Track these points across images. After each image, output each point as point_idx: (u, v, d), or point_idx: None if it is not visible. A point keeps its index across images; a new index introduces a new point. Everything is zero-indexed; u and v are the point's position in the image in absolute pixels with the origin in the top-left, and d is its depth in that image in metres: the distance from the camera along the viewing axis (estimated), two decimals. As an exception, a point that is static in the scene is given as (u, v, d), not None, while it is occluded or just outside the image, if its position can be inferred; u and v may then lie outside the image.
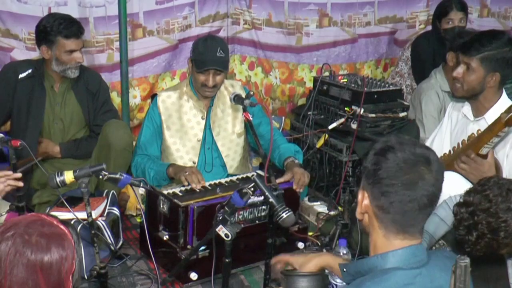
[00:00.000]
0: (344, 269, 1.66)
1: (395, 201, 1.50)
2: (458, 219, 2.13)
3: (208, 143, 3.31)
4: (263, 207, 2.84)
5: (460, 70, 2.78)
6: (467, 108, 2.91)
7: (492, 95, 2.79)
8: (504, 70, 2.73)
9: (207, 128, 3.30)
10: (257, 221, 2.87)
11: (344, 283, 1.71)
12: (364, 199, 1.59)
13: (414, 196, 1.50)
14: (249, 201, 2.27)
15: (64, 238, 1.39)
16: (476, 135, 2.67)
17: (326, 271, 2.13)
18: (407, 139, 1.58)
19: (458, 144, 2.78)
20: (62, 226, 1.42)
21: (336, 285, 2.42)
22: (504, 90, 2.87)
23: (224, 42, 3.32)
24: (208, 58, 3.08)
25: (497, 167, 2.68)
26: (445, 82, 3.67)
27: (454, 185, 2.37)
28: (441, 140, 3.07)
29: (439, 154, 2.95)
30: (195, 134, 3.29)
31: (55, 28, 3.14)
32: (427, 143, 3.14)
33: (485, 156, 2.64)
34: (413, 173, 1.50)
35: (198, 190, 2.90)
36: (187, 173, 2.96)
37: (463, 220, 2.10)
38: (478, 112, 2.83)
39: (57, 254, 1.36)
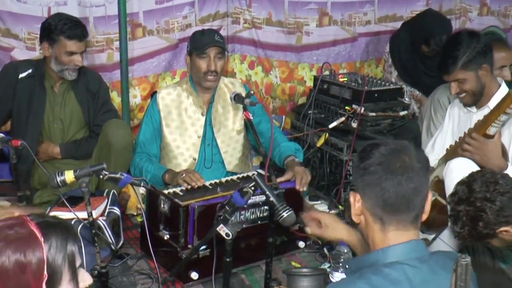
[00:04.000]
0: (347, 266, 1.66)
1: (380, 187, 1.52)
2: (450, 209, 2.19)
3: (208, 139, 3.32)
4: (265, 207, 2.84)
5: (454, 88, 2.86)
6: None
7: (492, 83, 2.85)
8: (486, 58, 2.81)
9: (208, 125, 3.31)
10: (259, 222, 2.86)
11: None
12: (356, 202, 1.60)
13: (398, 181, 1.51)
14: (251, 201, 2.26)
15: (29, 243, 1.30)
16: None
17: (328, 269, 2.14)
18: (394, 140, 1.61)
19: (465, 133, 2.77)
20: (35, 230, 1.32)
21: (337, 284, 2.42)
22: (503, 81, 2.93)
23: (219, 32, 3.38)
24: (207, 40, 3.16)
25: (503, 150, 2.68)
26: None
27: (464, 170, 2.35)
28: (442, 140, 3.08)
29: (442, 153, 2.95)
30: (195, 130, 3.30)
31: (59, 27, 3.15)
32: (429, 145, 3.15)
33: (492, 137, 2.65)
34: (395, 159, 1.53)
35: (198, 188, 2.91)
36: (183, 175, 2.96)
37: (451, 210, 2.17)
38: (481, 103, 2.88)
39: (13, 259, 1.28)
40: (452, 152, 2.81)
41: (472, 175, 2.18)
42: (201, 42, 3.17)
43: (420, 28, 4.18)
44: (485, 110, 2.80)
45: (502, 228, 2.06)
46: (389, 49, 4.41)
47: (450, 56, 2.83)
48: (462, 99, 2.92)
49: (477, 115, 2.86)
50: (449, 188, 2.31)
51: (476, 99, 2.86)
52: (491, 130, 2.63)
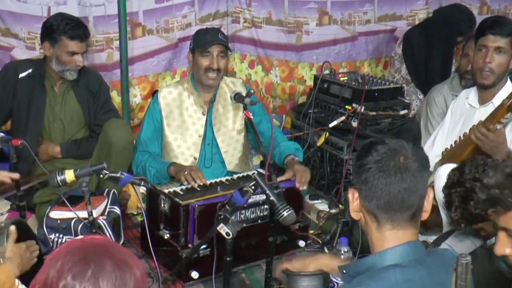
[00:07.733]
0: (344, 271, 1.66)
1: (373, 185, 1.53)
2: (444, 196, 2.24)
3: (208, 138, 3.32)
4: (265, 206, 2.84)
5: (491, 56, 2.80)
6: (472, 98, 2.95)
7: (505, 77, 2.86)
8: None
9: (208, 124, 3.32)
10: (259, 221, 2.86)
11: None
12: (354, 199, 1.61)
13: (390, 180, 1.52)
14: (251, 200, 2.27)
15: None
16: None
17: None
18: (395, 140, 1.62)
19: (460, 137, 2.78)
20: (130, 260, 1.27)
21: (337, 283, 2.42)
22: (509, 78, 2.93)
23: (223, 31, 3.41)
24: (210, 39, 3.18)
25: None
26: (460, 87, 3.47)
27: None
28: (443, 136, 3.07)
29: (442, 148, 2.95)
30: (196, 129, 3.30)
31: (61, 27, 3.15)
32: (429, 141, 3.15)
33: None
34: (389, 160, 1.53)
35: (198, 189, 2.91)
36: (186, 172, 2.97)
37: (445, 196, 2.21)
38: (485, 99, 2.87)
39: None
40: (449, 157, 2.79)
41: (463, 161, 2.24)
42: (204, 40, 3.19)
43: (449, 20, 4.14)
44: (489, 106, 2.79)
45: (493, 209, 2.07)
46: (403, 47, 4.33)
47: (506, 22, 2.83)
48: (481, 75, 2.83)
49: (480, 111, 2.85)
50: (438, 193, 2.33)
51: (494, 83, 2.83)
52: None
